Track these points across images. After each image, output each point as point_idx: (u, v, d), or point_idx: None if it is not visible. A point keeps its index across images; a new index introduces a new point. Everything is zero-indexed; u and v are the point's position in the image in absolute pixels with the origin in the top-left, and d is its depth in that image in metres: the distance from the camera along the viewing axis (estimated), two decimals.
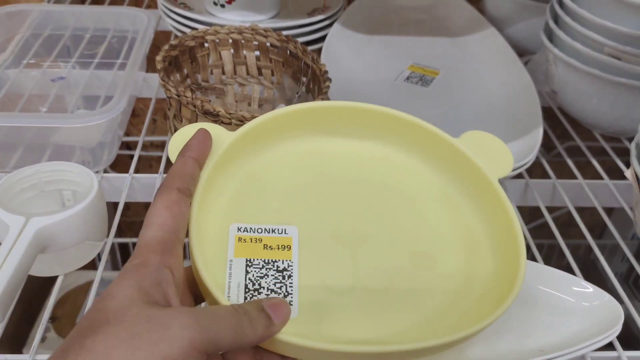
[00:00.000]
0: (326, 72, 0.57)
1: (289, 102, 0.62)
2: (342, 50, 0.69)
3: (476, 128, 0.62)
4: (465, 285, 0.37)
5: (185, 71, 0.61)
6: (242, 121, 0.50)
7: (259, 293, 0.35)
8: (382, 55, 0.72)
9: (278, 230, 0.38)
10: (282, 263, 0.36)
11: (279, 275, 0.36)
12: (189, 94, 0.51)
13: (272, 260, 0.36)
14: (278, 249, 0.37)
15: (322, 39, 0.70)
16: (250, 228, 0.38)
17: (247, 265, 0.36)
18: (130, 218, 1.19)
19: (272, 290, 0.35)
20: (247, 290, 0.35)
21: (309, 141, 0.43)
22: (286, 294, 0.35)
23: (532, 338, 0.39)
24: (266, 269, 0.36)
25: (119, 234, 1.17)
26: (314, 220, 0.39)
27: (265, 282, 0.35)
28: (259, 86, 0.65)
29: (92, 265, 1.22)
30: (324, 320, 0.35)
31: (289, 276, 0.36)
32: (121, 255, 1.16)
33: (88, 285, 1.01)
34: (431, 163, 0.43)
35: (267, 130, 0.41)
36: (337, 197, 0.41)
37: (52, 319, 0.95)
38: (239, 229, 0.38)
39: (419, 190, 0.42)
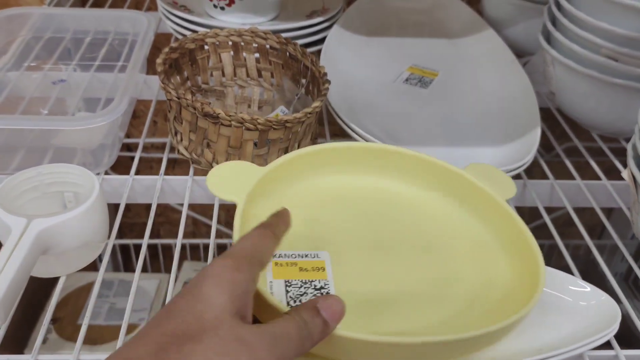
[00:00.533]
0: (325, 74, 0.57)
1: (288, 103, 0.63)
2: (341, 52, 0.70)
3: (475, 129, 0.62)
4: (484, 291, 0.41)
5: (186, 73, 0.61)
6: (241, 123, 0.50)
7: None
8: (381, 56, 0.73)
9: (311, 255, 0.42)
10: (319, 282, 0.40)
11: (317, 293, 0.39)
12: (189, 96, 0.51)
13: (309, 280, 0.40)
14: (313, 270, 0.41)
15: (321, 41, 0.70)
16: (285, 254, 0.41)
17: (286, 285, 0.39)
18: (131, 219, 1.19)
19: None
20: (289, 307, 0.38)
21: (331, 177, 0.48)
22: None
23: (530, 337, 0.39)
24: (304, 287, 0.39)
25: (120, 235, 1.18)
26: (343, 245, 0.43)
27: (305, 299, 0.39)
28: (258, 88, 0.65)
29: (93, 267, 1.22)
30: (363, 326, 0.38)
31: (327, 293, 0.39)
32: (122, 256, 1.17)
33: (90, 286, 1.01)
34: (445, 193, 0.48)
35: (293, 167, 0.45)
36: (361, 223, 0.45)
37: (54, 320, 0.95)
38: (274, 255, 0.41)
39: (436, 216, 0.47)
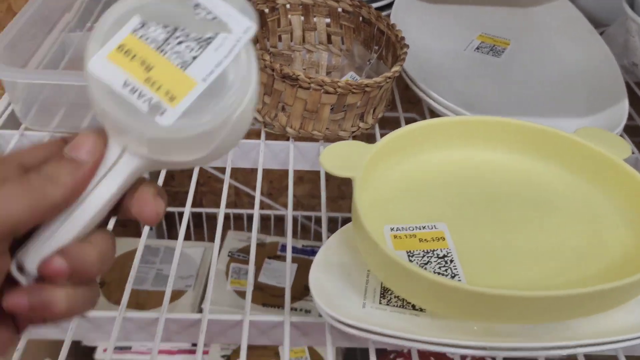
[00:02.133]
0: (403, 38, 0.55)
1: (358, 70, 0.61)
2: (409, 19, 0.67)
3: (555, 99, 0.60)
4: (601, 252, 0.41)
5: (255, 36, 0.60)
6: (321, 86, 0.49)
7: None
8: (449, 24, 0.70)
9: (428, 226, 0.42)
10: (441, 251, 0.40)
11: (441, 261, 0.39)
12: (267, 57, 0.49)
13: (431, 250, 0.40)
14: (433, 240, 0.41)
15: (389, 6, 0.68)
16: (402, 227, 0.41)
17: (408, 256, 0.39)
18: (174, 188, 1.19)
19: (438, 273, 0.38)
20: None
21: (439, 152, 0.47)
22: (453, 275, 0.38)
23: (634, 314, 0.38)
24: (427, 257, 0.39)
25: None
26: (458, 217, 0.43)
27: (430, 267, 0.39)
28: (326, 53, 0.63)
29: (136, 233, 1.22)
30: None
31: (451, 260, 0.39)
32: (166, 224, 1.17)
33: (134, 252, 1.01)
34: (555, 159, 0.47)
35: (404, 143, 0.45)
36: (472, 195, 0.45)
37: (101, 283, 0.96)
38: (392, 229, 0.41)
39: (546, 182, 0.46)
